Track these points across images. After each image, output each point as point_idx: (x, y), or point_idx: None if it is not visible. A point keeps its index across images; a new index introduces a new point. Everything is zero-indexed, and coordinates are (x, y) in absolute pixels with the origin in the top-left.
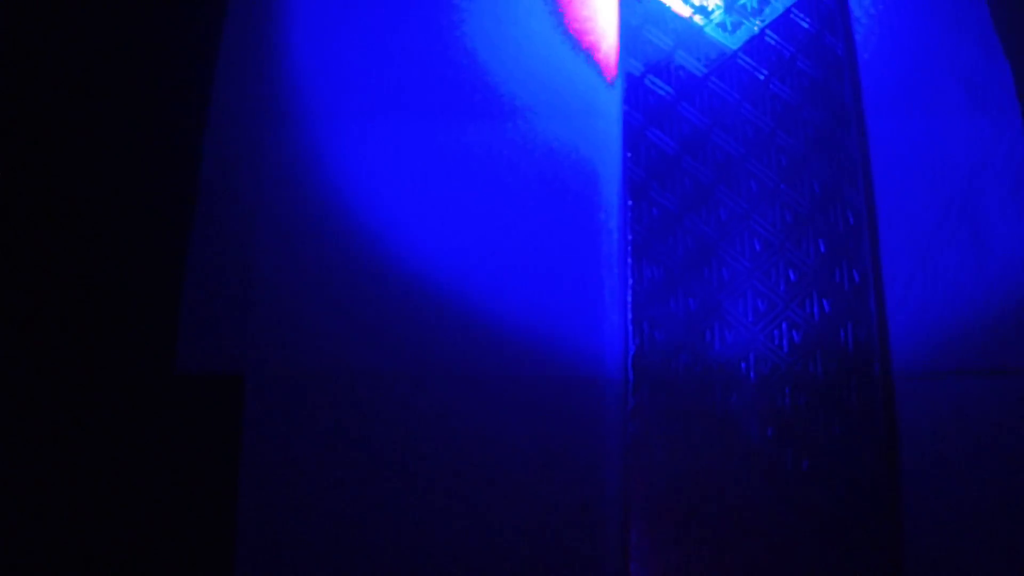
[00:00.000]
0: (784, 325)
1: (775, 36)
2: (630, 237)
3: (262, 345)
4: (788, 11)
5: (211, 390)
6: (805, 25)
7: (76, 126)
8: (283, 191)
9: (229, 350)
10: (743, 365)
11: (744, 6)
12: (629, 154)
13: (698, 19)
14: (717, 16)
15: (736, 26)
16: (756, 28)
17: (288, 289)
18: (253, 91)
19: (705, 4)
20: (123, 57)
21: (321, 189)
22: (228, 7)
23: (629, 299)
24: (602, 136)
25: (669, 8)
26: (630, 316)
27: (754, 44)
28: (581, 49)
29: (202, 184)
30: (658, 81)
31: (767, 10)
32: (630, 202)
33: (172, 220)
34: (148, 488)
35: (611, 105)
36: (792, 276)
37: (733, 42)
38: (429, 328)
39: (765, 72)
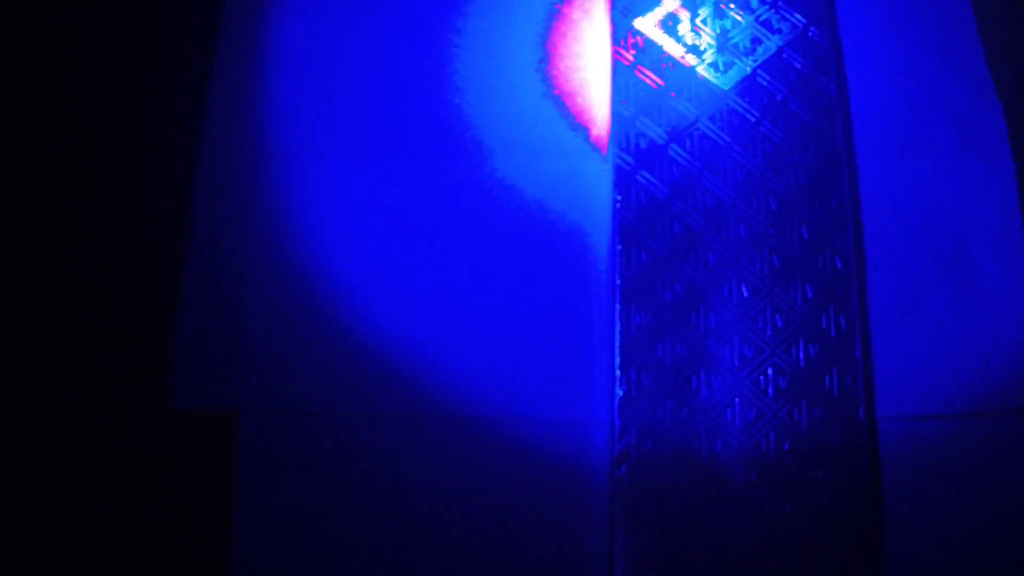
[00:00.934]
0: (770, 371)
1: (767, 77)
2: (619, 283)
3: (256, 382)
4: (780, 51)
5: (206, 426)
6: (797, 66)
7: (72, 160)
8: (275, 229)
9: (223, 386)
10: (728, 411)
11: (736, 45)
12: (619, 198)
13: (691, 59)
14: (709, 56)
15: (728, 66)
16: (748, 69)
17: (281, 328)
18: (245, 129)
19: (698, 44)
20: (118, 96)
21: (313, 228)
22: (218, 42)
23: (617, 344)
24: (592, 177)
25: (661, 48)
26: (618, 361)
27: (746, 85)
28: (572, 89)
29: (195, 219)
30: (649, 123)
31: (759, 50)
32: (619, 247)
33: (165, 253)
34: (142, 523)
35: (601, 146)
36: (779, 322)
37: (725, 83)
38: (419, 369)
39: (756, 114)
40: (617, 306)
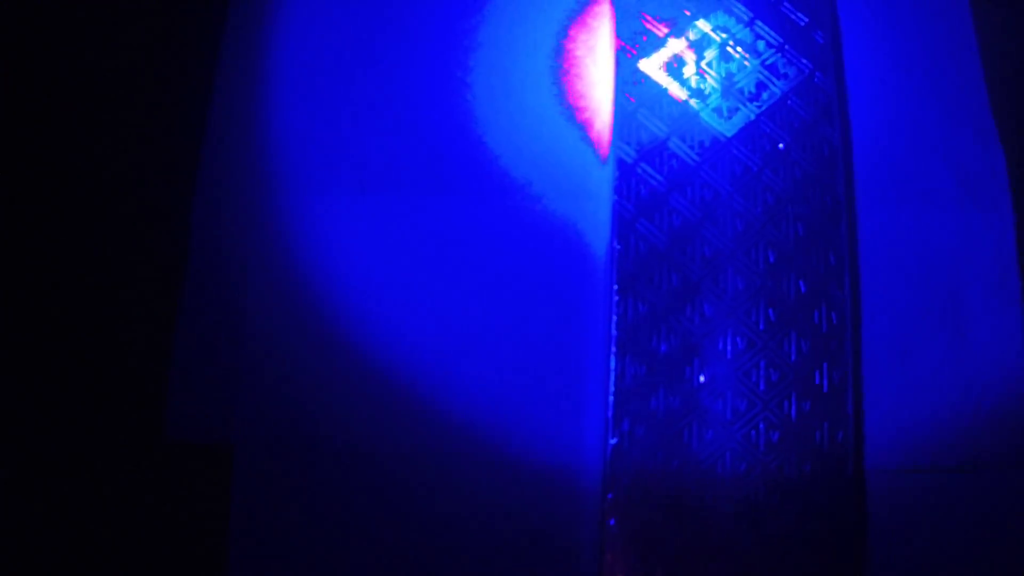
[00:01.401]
0: (762, 425)
1: (771, 124)
2: (615, 333)
3: (251, 417)
4: (785, 97)
5: (200, 459)
6: (802, 113)
7: (62, 195)
8: (273, 262)
9: (218, 420)
10: (719, 465)
11: (741, 90)
12: (619, 246)
13: (694, 103)
14: (714, 101)
15: (732, 111)
16: (752, 115)
17: (277, 362)
18: (244, 161)
19: (702, 88)
20: (114, 123)
21: (310, 263)
22: (219, 70)
23: (611, 393)
24: (592, 221)
25: (666, 91)
26: (611, 412)
27: (749, 132)
28: (575, 127)
29: (192, 250)
30: (650, 170)
31: (764, 95)
32: (616, 297)
33: (162, 285)
34: (137, 554)
35: (603, 189)
36: (773, 376)
37: (728, 129)
38: (413, 408)
39: (759, 163)
40: (612, 358)
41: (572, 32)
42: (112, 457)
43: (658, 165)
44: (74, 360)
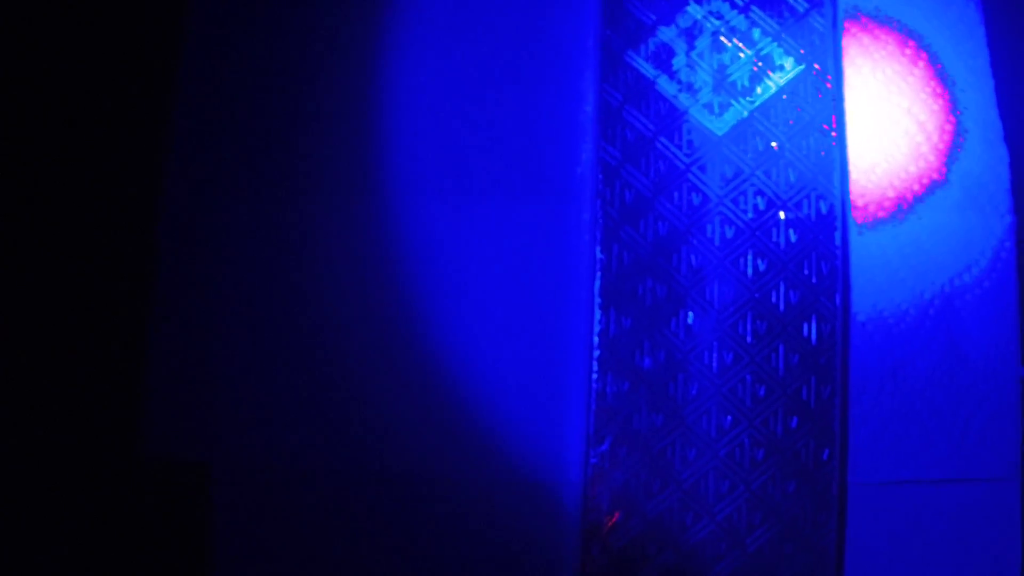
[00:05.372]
0: (747, 440)
1: (764, 121)
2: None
3: (227, 435)
4: (780, 92)
5: (180, 474)
6: (798, 109)
7: (35, 202)
8: (245, 275)
9: (196, 436)
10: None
11: (734, 84)
12: (602, 256)
13: (685, 100)
14: (704, 96)
15: (724, 107)
16: (745, 112)
17: (252, 381)
18: (212, 169)
19: (692, 81)
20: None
21: (284, 276)
22: None
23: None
24: (574, 223)
25: (654, 84)
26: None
27: (742, 130)
28: (557, 126)
29: (161, 262)
30: (636, 173)
31: (758, 89)
32: (600, 313)
33: (138, 295)
34: (111, 569)
35: (584, 192)
36: (761, 392)
37: (720, 127)
38: (392, 426)
39: (751, 164)
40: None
41: None
42: (87, 470)
43: (644, 166)
44: (49, 372)
